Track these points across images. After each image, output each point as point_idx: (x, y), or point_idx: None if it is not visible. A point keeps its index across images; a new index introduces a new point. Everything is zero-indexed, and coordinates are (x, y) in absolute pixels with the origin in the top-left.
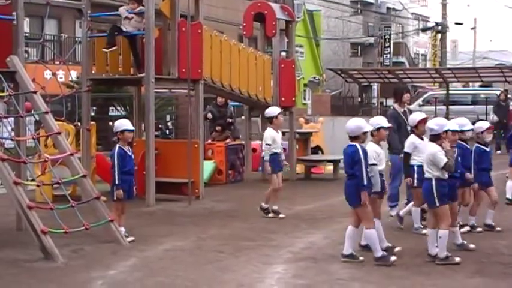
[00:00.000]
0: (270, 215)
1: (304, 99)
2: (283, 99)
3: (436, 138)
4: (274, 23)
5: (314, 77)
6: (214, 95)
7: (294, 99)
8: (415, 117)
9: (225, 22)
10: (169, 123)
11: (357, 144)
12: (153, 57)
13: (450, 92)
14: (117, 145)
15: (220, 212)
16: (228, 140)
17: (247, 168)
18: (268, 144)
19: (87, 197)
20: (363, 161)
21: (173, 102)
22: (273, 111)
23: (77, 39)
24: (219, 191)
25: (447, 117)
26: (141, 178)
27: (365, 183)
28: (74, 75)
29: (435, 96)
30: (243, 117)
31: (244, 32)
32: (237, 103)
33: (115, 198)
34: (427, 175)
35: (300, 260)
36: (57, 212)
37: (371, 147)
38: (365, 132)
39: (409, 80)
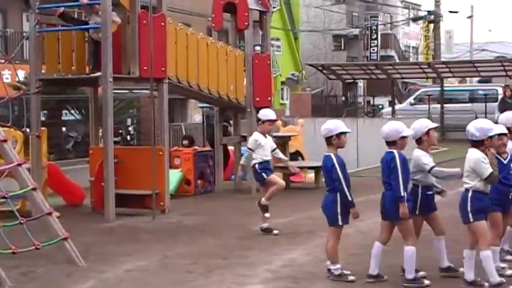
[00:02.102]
0: (267, 215)
1: (282, 98)
2: (257, 99)
3: (478, 144)
4: (246, 13)
5: (293, 74)
6: (180, 95)
7: (270, 99)
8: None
9: (192, 13)
10: (130, 128)
11: (395, 151)
12: (111, 54)
13: (445, 88)
14: None
15: (188, 226)
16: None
17: (218, 178)
18: (249, 149)
19: (38, 212)
20: (399, 169)
21: (134, 105)
22: (264, 114)
23: (24, 34)
24: (187, 204)
25: (442, 116)
26: (99, 190)
27: (401, 194)
28: (21, 75)
29: (428, 94)
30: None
31: (213, 25)
32: (206, 104)
33: None
34: (464, 186)
35: (279, 279)
36: (3, 230)
37: (418, 154)
38: (404, 137)
39: (398, 75)
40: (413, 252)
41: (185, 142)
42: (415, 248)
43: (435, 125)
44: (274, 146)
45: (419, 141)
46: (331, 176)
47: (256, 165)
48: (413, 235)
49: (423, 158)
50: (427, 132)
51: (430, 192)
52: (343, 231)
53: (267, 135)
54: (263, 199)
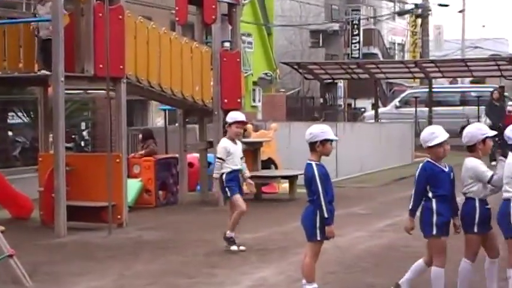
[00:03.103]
0: (234, 247)
1: (254, 100)
2: (226, 100)
3: None
4: (214, 6)
5: (265, 73)
6: (140, 96)
7: (239, 100)
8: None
9: (153, 6)
10: (84, 133)
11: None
12: (63, 51)
13: (434, 90)
14: None
15: (148, 242)
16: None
17: (182, 188)
18: (219, 159)
19: None
20: (416, 179)
21: (89, 107)
22: (231, 116)
23: None
24: (147, 217)
25: (430, 121)
26: (49, 201)
27: (410, 207)
28: None
29: (415, 96)
30: (176, 125)
31: (177, 18)
32: (168, 107)
33: None
34: (505, 195)
35: None
36: None
37: (474, 163)
38: (437, 145)
39: (383, 75)
40: (441, 275)
41: (140, 137)
42: (443, 271)
43: (493, 133)
44: (241, 154)
45: (472, 148)
46: (310, 187)
47: (224, 176)
48: (444, 255)
49: (481, 166)
50: (483, 140)
51: (488, 206)
52: None
53: (237, 140)
54: (228, 231)
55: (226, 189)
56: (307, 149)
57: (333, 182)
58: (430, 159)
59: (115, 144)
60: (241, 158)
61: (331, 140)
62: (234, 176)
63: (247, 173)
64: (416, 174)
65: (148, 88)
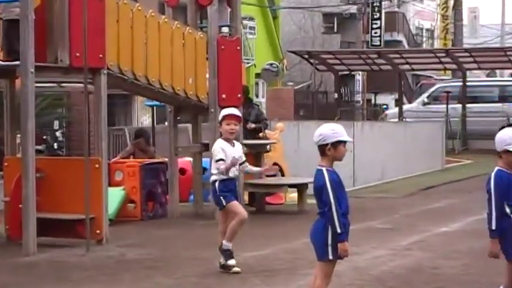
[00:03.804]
0: (232, 262)
1: (256, 96)
2: (223, 96)
3: None
4: None
5: (271, 64)
6: (123, 90)
7: (239, 96)
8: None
9: None
10: (57, 133)
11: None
12: (32, 36)
13: (468, 83)
14: None
15: (133, 261)
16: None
17: (172, 198)
18: (219, 160)
19: None
20: (492, 192)
21: (63, 102)
22: (223, 112)
23: None
24: (131, 232)
25: (463, 119)
26: (16, 213)
27: (493, 227)
28: None
29: (446, 90)
30: (166, 124)
31: None
32: (156, 103)
33: None
34: None
35: None
36: None
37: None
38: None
39: (408, 66)
40: None
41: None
42: None
43: None
44: (243, 157)
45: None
46: (321, 197)
47: (217, 184)
48: None
49: None
50: None
51: None
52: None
53: (234, 142)
54: (224, 241)
55: (221, 197)
56: (316, 152)
57: (348, 191)
58: (501, 167)
59: (93, 147)
60: (243, 163)
61: (345, 142)
62: (229, 185)
63: (257, 168)
64: (492, 186)
65: (133, 81)
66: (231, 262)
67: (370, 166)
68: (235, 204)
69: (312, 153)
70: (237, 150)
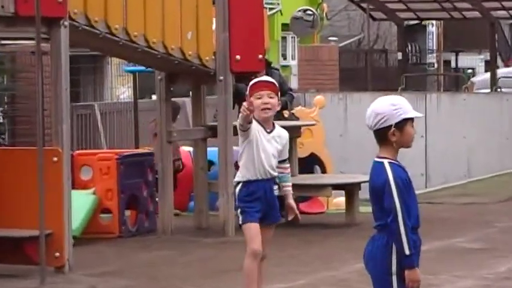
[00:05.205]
0: None
1: (284, 58)
2: (238, 57)
3: None
4: None
5: (304, 11)
6: (92, 50)
7: (261, 57)
8: None
9: None
10: None
11: None
12: None
13: None
14: None
15: None
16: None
17: (164, 206)
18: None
19: None
20: None
21: (5, 68)
22: (251, 83)
23: None
24: (104, 255)
25: None
26: None
27: None
28: None
29: None
30: (153, 98)
31: None
32: (141, 67)
33: None
34: None
35: None
36: None
37: None
38: None
39: (503, 12)
40: None
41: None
42: None
43: None
44: (285, 155)
45: None
46: (382, 202)
47: (238, 188)
48: None
49: None
50: None
51: None
52: None
53: (275, 125)
54: None
55: (239, 210)
56: (372, 138)
57: (418, 194)
58: None
59: (50, 132)
60: (284, 161)
61: (412, 119)
62: (257, 190)
63: (288, 187)
64: None
65: (107, 36)
66: None
67: (450, 158)
68: (250, 229)
69: (366, 139)
70: (274, 139)
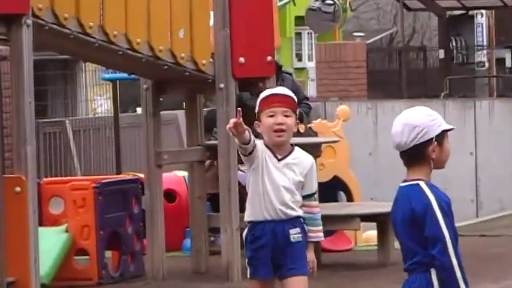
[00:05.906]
0: None
1: (299, 59)
2: (241, 60)
3: None
4: None
5: (323, 1)
6: (61, 53)
7: (270, 59)
8: None
9: None
10: None
11: None
12: None
13: None
14: None
15: None
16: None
17: (153, 245)
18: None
19: None
20: None
21: None
22: (262, 95)
23: None
24: None
25: None
26: None
27: None
28: None
29: None
30: (138, 110)
31: None
32: (122, 75)
33: None
34: None
35: None
36: None
37: None
38: None
39: None
40: None
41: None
42: None
43: None
44: (312, 188)
45: None
46: (421, 235)
47: (245, 231)
48: None
49: None
50: None
51: None
52: None
53: (294, 149)
54: None
55: (247, 264)
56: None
57: (467, 225)
58: None
59: (11, 157)
60: (309, 197)
61: (447, 131)
62: (262, 235)
63: (315, 233)
64: None
65: (80, 36)
66: None
67: (507, 180)
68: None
69: (398, 159)
70: (289, 168)
